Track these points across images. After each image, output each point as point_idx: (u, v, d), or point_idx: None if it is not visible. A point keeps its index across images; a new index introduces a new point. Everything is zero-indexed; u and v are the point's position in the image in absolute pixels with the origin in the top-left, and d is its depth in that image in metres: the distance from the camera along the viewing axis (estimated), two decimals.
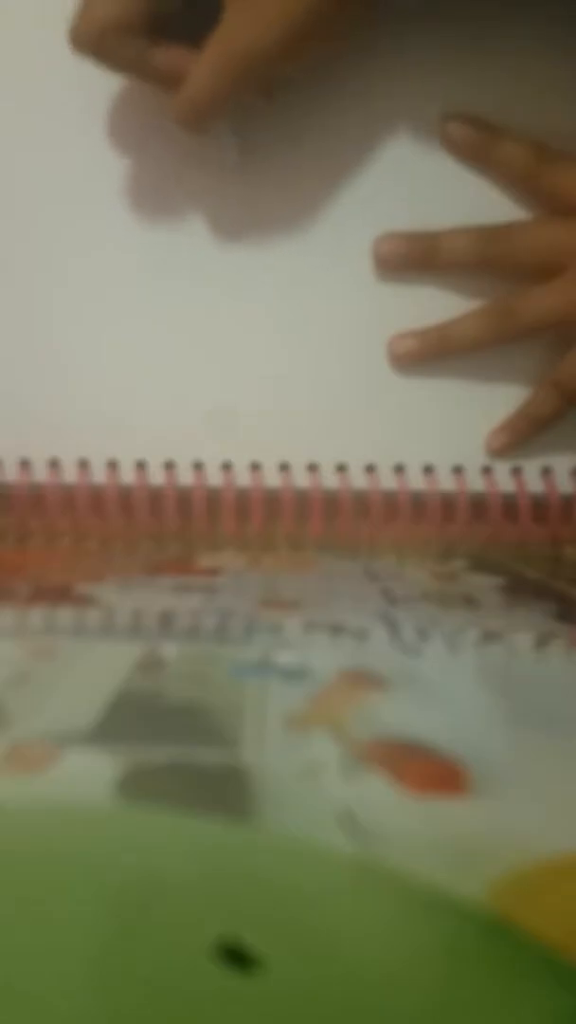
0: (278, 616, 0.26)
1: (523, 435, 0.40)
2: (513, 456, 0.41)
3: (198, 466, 0.40)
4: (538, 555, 0.40)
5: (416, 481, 0.40)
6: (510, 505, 0.40)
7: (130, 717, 0.18)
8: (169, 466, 0.40)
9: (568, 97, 0.39)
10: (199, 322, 0.40)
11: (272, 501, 0.40)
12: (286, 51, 0.33)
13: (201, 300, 0.40)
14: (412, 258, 0.39)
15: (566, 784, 0.15)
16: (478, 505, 0.40)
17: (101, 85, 0.38)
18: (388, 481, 0.40)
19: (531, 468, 0.41)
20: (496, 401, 0.41)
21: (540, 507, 0.40)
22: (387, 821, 0.14)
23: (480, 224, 0.39)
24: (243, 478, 0.40)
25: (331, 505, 0.40)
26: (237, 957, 0.10)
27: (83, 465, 0.40)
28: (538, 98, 0.39)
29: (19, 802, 0.14)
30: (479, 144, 0.39)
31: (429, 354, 0.40)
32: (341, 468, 0.40)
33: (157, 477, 0.40)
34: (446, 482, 0.40)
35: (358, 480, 0.40)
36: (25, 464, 0.40)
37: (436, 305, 0.40)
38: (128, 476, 0.40)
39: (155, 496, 0.40)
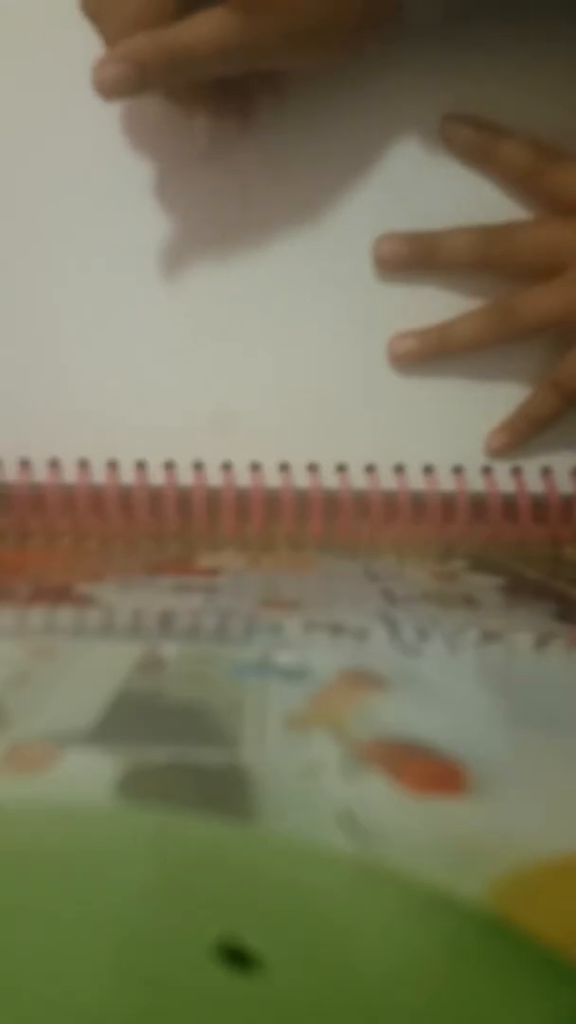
0: (278, 616, 0.26)
1: (523, 435, 0.40)
2: (513, 456, 0.41)
3: (198, 466, 0.40)
4: (538, 555, 0.40)
5: (416, 481, 0.40)
6: (510, 505, 0.40)
7: (130, 717, 0.18)
8: (169, 466, 0.40)
9: (568, 97, 0.39)
10: (199, 322, 0.40)
11: (272, 501, 0.40)
12: (291, 47, 0.32)
13: (201, 300, 0.40)
14: (412, 258, 0.39)
15: (566, 784, 0.15)
16: (478, 505, 0.40)
17: None
18: (388, 481, 0.40)
19: (531, 468, 0.41)
20: (496, 401, 0.41)
21: (540, 507, 0.40)
22: (387, 821, 0.14)
23: (480, 224, 0.39)
24: (243, 478, 0.40)
25: (331, 505, 0.40)
26: (237, 957, 0.10)
27: (83, 465, 0.40)
28: (539, 98, 0.39)
29: (19, 802, 0.14)
30: (479, 144, 0.39)
31: (429, 354, 0.40)
32: (341, 468, 0.40)
33: (157, 477, 0.40)
34: (446, 482, 0.40)
35: (358, 480, 0.40)
36: (25, 464, 0.40)
37: (436, 305, 0.40)
38: (128, 476, 0.40)
39: (155, 496, 0.40)
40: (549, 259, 0.38)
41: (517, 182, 0.39)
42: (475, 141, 0.39)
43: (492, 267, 0.39)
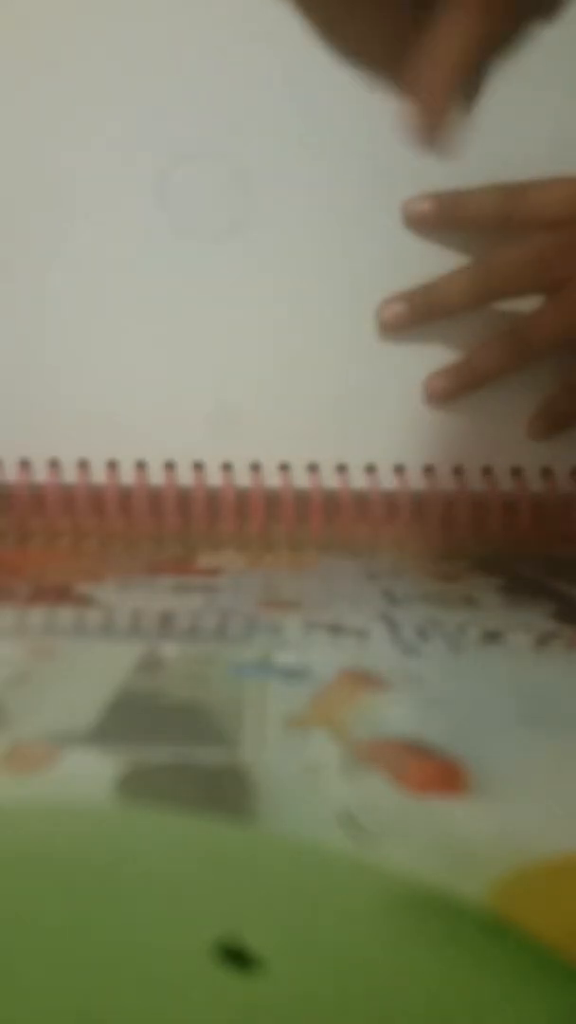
0: (278, 616, 0.26)
1: (558, 428, 0.41)
2: (513, 456, 0.41)
3: (198, 466, 0.40)
4: (538, 555, 0.40)
5: (416, 481, 0.40)
6: (510, 505, 0.40)
7: (130, 717, 0.18)
8: (169, 466, 0.40)
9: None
10: (199, 322, 0.40)
11: (272, 501, 0.40)
12: None
13: (201, 300, 0.40)
14: (414, 316, 0.40)
15: (566, 784, 0.15)
16: (478, 505, 0.40)
17: (99, 78, 0.38)
18: (388, 481, 0.40)
19: (531, 468, 0.41)
20: (496, 401, 0.41)
21: (540, 507, 0.40)
22: (387, 821, 0.14)
23: (474, 259, 0.39)
24: (243, 478, 0.40)
25: (331, 505, 0.40)
26: (237, 957, 0.10)
27: (83, 465, 0.40)
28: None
29: (19, 802, 0.14)
30: (447, 207, 0.39)
31: (463, 391, 0.40)
32: (341, 468, 0.40)
33: (157, 477, 0.40)
34: (446, 482, 0.40)
35: (358, 480, 0.40)
36: (25, 464, 0.40)
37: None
38: (128, 476, 0.40)
39: (155, 496, 0.40)
40: (547, 275, 0.38)
41: (495, 224, 0.39)
42: (441, 207, 0.39)
43: (493, 300, 0.39)
